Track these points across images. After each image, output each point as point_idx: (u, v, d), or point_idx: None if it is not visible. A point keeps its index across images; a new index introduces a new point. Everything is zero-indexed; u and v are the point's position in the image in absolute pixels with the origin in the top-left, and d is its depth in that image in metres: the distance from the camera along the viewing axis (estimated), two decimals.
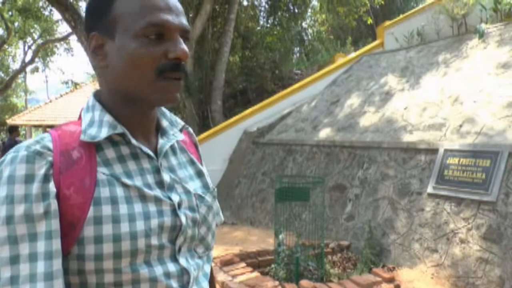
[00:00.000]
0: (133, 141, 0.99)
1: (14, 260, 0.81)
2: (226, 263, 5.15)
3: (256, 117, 10.54)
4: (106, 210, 0.90)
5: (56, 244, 0.85)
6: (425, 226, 5.44)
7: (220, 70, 13.62)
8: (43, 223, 0.84)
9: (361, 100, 8.82)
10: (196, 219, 1.05)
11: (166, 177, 1.02)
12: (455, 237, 5.06)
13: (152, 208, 0.95)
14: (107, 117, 0.98)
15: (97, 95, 1.05)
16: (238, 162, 9.91)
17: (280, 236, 5.21)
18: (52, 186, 0.87)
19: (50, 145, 0.91)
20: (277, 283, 4.57)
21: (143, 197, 0.95)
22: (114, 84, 0.99)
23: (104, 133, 0.96)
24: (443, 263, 5.02)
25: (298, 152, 8.48)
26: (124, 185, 0.94)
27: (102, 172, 0.93)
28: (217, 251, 5.77)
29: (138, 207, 0.93)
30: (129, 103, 1.00)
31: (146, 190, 0.96)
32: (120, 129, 0.98)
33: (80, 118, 1.03)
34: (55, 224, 0.85)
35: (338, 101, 9.51)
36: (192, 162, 1.15)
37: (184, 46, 0.97)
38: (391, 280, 4.81)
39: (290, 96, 11.05)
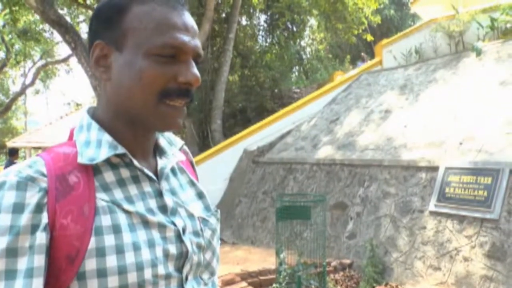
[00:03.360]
0: (136, 162, 0.91)
1: None
2: (227, 282, 5.10)
3: (256, 136, 10.56)
4: (109, 240, 0.82)
5: (37, 284, 0.76)
6: (428, 244, 5.40)
7: (219, 90, 13.69)
8: (25, 259, 0.75)
9: (361, 118, 8.84)
10: (201, 244, 0.98)
11: (169, 201, 0.94)
12: (458, 255, 5.01)
13: (156, 235, 0.88)
14: (106, 137, 0.90)
15: (91, 113, 0.96)
16: (238, 181, 9.88)
17: (282, 255, 5.17)
18: (44, 217, 0.78)
19: (44, 170, 0.82)
20: None
21: (146, 224, 0.88)
22: (115, 99, 0.91)
23: (103, 154, 0.87)
24: (446, 281, 4.97)
25: (299, 171, 8.46)
26: (126, 212, 0.86)
27: (101, 199, 0.85)
28: (218, 271, 5.71)
29: (142, 235, 0.86)
30: (129, 122, 0.92)
31: (149, 216, 0.88)
32: (121, 149, 0.89)
33: (71, 138, 0.94)
34: (39, 260, 0.77)
35: (338, 119, 9.54)
36: (192, 183, 1.08)
37: (196, 71, 0.91)
38: None
39: (289, 114, 11.08)
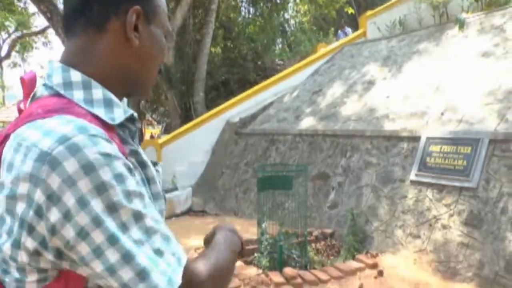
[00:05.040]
0: (138, 124, 0.96)
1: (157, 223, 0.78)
2: None
3: (238, 108, 10.50)
4: (154, 189, 0.90)
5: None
6: (408, 213, 5.46)
7: (202, 62, 13.51)
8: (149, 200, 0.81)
9: (344, 90, 8.82)
10: None
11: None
12: (437, 223, 5.08)
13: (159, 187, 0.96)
14: (113, 96, 0.88)
15: (76, 69, 0.87)
16: (221, 153, 9.85)
17: (263, 225, 5.18)
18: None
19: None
20: (260, 271, 4.55)
21: (154, 177, 0.93)
22: (131, 63, 0.92)
23: (120, 114, 0.86)
24: (425, 248, 5.05)
25: (281, 142, 8.45)
26: (148, 166, 0.92)
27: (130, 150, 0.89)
28: (200, 242, 5.72)
29: (156, 187, 0.93)
30: (126, 85, 0.94)
31: (154, 169, 0.95)
32: (131, 110, 0.90)
33: (29, 100, 0.90)
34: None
35: (321, 90, 9.50)
36: None
37: None
38: (374, 266, 4.83)
39: (272, 86, 11.01)
